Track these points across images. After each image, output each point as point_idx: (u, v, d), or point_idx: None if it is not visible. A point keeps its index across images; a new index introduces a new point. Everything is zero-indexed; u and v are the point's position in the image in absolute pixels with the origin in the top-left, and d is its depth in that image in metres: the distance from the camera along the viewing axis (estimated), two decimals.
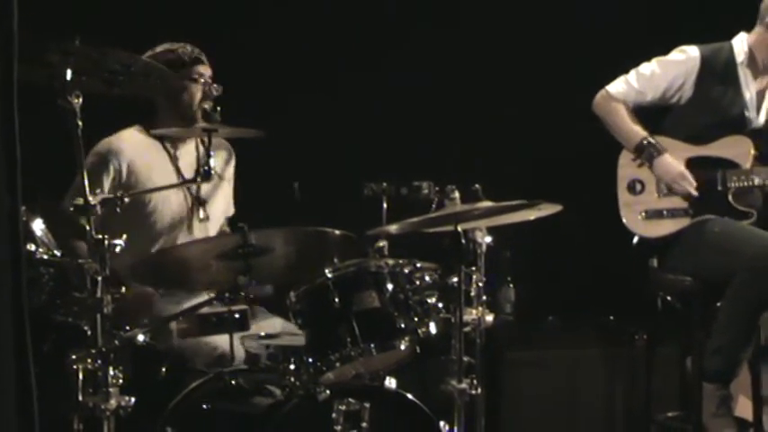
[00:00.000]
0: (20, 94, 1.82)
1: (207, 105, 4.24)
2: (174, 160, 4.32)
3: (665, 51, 4.66)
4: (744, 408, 4.70)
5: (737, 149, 4.54)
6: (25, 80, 1.93)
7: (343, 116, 5.46)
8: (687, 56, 4.62)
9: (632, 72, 4.65)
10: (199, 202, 4.34)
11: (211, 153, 3.67)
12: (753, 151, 4.54)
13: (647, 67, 4.65)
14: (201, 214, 4.33)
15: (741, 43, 4.62)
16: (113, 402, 3.18)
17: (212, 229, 4.38)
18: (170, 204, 4.28)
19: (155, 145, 4.32)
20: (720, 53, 4.62)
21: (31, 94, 2.37)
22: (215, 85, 4.30)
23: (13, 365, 1.77)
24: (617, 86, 4.66)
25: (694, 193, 4.52)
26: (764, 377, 4.71)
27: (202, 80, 4.30)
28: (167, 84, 3.88)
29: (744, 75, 4.59)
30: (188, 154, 4.36)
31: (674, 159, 4.55)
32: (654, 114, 4.69)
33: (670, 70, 4.61)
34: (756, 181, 4.51)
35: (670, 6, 5.60)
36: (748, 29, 4.63)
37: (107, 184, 4.17)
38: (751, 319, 4.34)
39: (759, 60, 4.60)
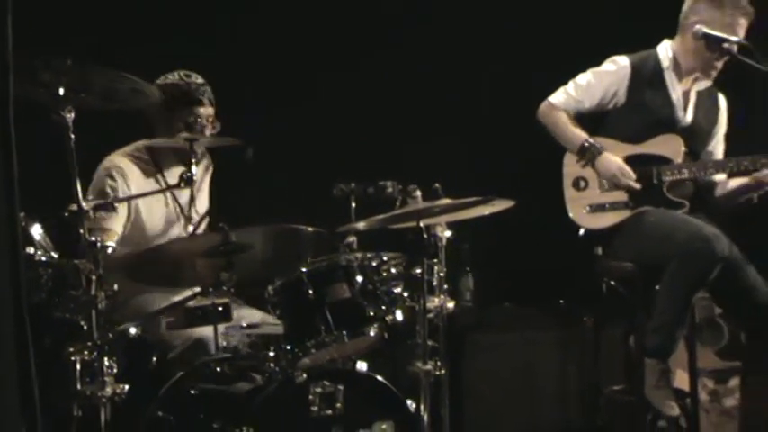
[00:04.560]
0: (18, 109, 1.82)
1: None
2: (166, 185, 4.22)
3: (600, 61, 4.69)
4: (681, 380, 4.74)
5: (669, 146, 4.56)
6: (23, 96, 1.93)
7: (313, 123, 5.46)
8: (618, 65, 4.63)
9: (570, 83, 4.66)
10: (187, 219, 4.31)
11: (193, 160, 3.66)
12: (683, 148, 4.56)
13: (583, 78, 4.66)
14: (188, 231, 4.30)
15: (665, 50, 4.64)
16: (109, 390, 3.19)
17: None
18: (160, 223, 4.24)
19: (148, 171, 4.25)
20: (648, 60, 4.64)
21: (30, 108, 2.37)
22: (212, 124, 4.22)
23: (15, 358, 1.77)
24: (558, 97, 4.67)
25: (635, 185, 4.54)
26: (699, 352, 4.76)
27: (198, 120, 4.18)
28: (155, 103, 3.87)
29: (670, 78, 4.61)
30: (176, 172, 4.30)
31: (614, 157, 4.57)
32: (593, 119, 4.70)
33: (604, 79, 4.63)
34: (687, 174, 4.55)
35: (609, 19, 5.63)
36: (671, 36, 4.66)
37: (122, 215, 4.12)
38: (686, 299, 4.36)
39: (682, 64, 4.62)
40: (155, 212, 4.20)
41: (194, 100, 4.18)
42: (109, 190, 4.09)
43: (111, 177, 4.12)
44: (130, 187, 4.13)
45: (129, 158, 4.21)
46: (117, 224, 4.07)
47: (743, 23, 4.48)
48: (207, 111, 4.21)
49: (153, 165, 4.24)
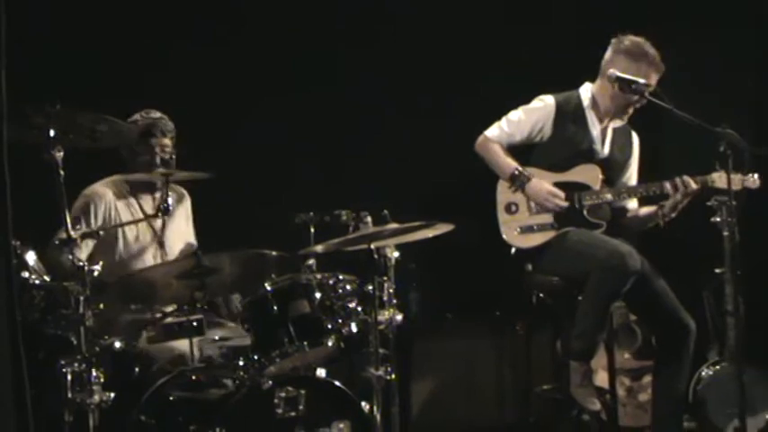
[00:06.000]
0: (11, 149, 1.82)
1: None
2: (142, 210, 4.24)
3: (530, 98, 4.73)
4: (602, 378, 4.77)
5: (589, 175, 4.59)
6: (17, 138, 1.93)
7: (275, 158, 5.45)
8: (545, 103, 4.67)
9: (503, 119, 4.68)
10: (160, 243, 4.28)
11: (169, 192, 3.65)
12: (601, 176, 4.58)
13: (514, 114, 4.68)
14: (161, 252, 4.27)
15: (586, 91, 4.69)
16: (97, 398, 3.18)
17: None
18: (133, 247, 4.22)
19: (127, 198, 4.24)
20: (571, 99, 4.67)
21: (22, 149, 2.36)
22: (167, 151, 4.20)
23: (10, 371, 1.77)
24: (492, 131, 4.69)
25: (564, 204, 4.56)
26: (616, 354, 4.81)
27: (156, 149, 4.19)
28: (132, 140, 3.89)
29: (590, 116, 4.64)
30: (148, 199, 4.29)
31: (542, 182, 4.59)
32: (523, 150, 4.74)
33: (532, 116, 4.65)
34: (604, 198, 4.59)
35: (540, 60, 5.68)
36: (592, 79, 4.72)
37: (98, 219, 4.12)
38: (604, 308, 4.38)
39: (600, 104, 4.65)
40: (127, 238, 4.18)
41: (149, 133, 4.19)
42: (90, 215, 4.09)
43: (89, 204, 4.13)
44: (108, 212, 4.13)
45: (107, 186, 4.21)
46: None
47: (654, 76, 4.53)
48: (161, 141, 4.21)
49: (130, 193, 4.25)
